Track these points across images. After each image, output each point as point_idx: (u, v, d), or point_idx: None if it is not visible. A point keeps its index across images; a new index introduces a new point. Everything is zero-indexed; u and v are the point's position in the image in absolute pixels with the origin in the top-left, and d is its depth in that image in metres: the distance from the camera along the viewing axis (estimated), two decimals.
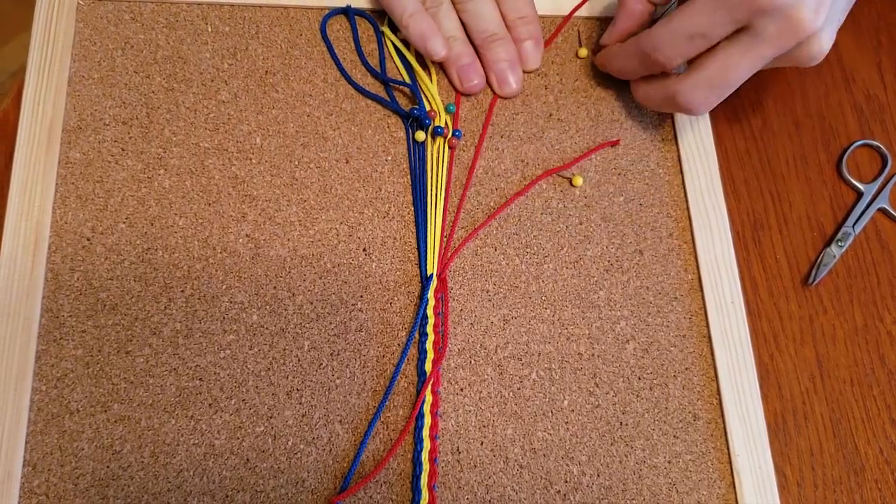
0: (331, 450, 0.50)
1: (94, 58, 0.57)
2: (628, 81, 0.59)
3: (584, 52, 0.61)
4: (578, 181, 0.57)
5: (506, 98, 0.60)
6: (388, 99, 0.58)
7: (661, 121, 0.60)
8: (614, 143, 0.59)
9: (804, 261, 0.58)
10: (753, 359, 0.54)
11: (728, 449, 0.52)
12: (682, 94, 0.53)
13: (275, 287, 0.53)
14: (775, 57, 0.50)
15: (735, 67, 0.50)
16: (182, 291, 0.52)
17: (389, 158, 0.57)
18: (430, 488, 0.49)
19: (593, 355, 0.53)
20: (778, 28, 0.48)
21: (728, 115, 0.62)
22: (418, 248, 0.55)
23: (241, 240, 0.54)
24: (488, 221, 0.55)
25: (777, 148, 0.62)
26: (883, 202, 0.59)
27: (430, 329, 0.52)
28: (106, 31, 0.58)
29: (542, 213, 0.57)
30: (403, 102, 0.59)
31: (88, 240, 0.53)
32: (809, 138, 0.62)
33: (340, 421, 0.50)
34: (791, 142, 0.62)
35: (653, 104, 0.57)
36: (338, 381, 0.51)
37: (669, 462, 0.51)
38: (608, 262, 0.56)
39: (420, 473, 0.49)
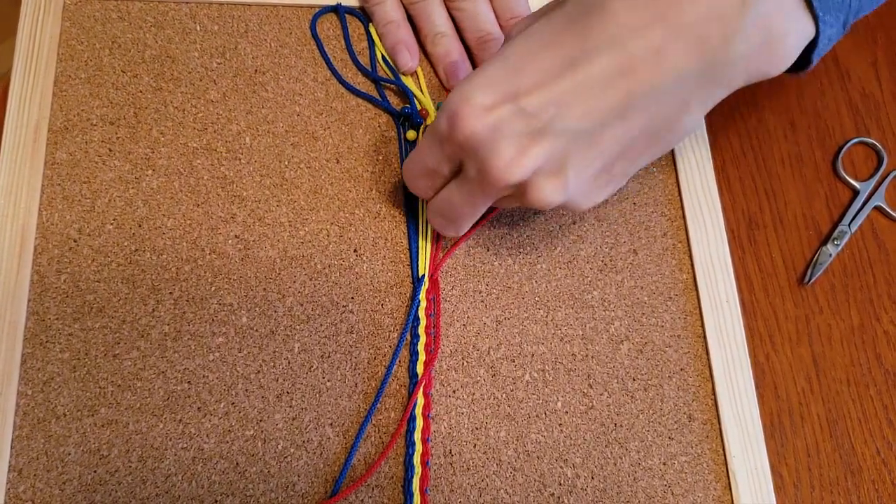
0: (321, 453, 0.49)
1: (80, 57, 0.57)
2: None
3: None
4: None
5: None
6: (378, 98, 0.58)
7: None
8: None
9: (800, 260, 0.58)
10: (749, 359, 0.53)
11: (724, 450, 0.51)
12: (428, 215, 0.51)
13: (264, 289, 0.52)
14: (502, 199, 0.47)
15: (453, 201, 0.47)
16: (170, 293, 0.51)
17: (381, 158, 0.57)
18: (423, 492, 0.48)
19: (587, 356, 0.53)
20: (476, 170, 0.44)
21: (722, 113, 0.61)
22: (410, 249, 0.54)
23: (230, 241, 0.53)
24: (481, 225, 0.55)
25: (772, 146, 0.61)
26: (879, 200, 0.59)
27: (421, 331, 0.52)
28: (93, 30, 0.57)
29: (534, 213, 0.56)
30: (394, 101, 0.58)
31: (75, 241, 0.52)
32: (805, 136, 0.62)
33: (331, 424, 0.50)
34: (786, 140, 0.62)
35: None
36: (328, 384, 0.51)
37: (665, 464, 0.51)
38: (602, 261, 0.55)
39: (412, 477, 0.48)
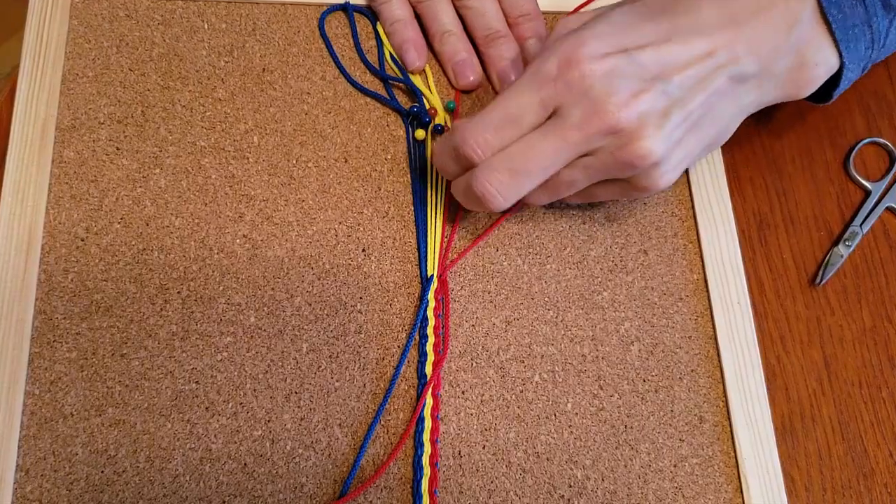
0: (330, 454, 0.49)
1: (88, 55, 0.56)
2: None
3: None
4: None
5: None
6: (387, 97, 0.58)
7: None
8: None
9: (811, 261, 0.57)
10: (760, 360, 0.53)
11: (735, 452, 0.51)
12: (477, 177, 0.47)
13: (272, 288, 0.52)
14: (590, 152, 0.47)
15: (536, 149, 0.46)
16: (178, 293, 0.51)
17: (389, 157, 0.56)
18: (431, 493, 0.48)
19: (597, 357, 0.52)
20: (583, 112, 0.45)
21: None
22: (418, 249, 0.54)
23: (238, 240, 0.53)
24: (493, 228, 0.55)
25: (783, 146, 0.61)
26: (891, 201, 0.58)
27: (430, 331, 0.51)
28: (100, 28, 0.57)
29: (544, 213, 0.56)
30: (403, 100, 0.58)
31: (83, 240, 0.52)
32: (816, 136, 0.61)
33: (340, 424, 0.49)
34: (797, 140, 0.61)
35: (460, 198, 0.51)
36: (337, 384, 0.50)
37: (675, 466, 0.50)
38: (612, 262, 0.55)
39: (421, 478, 0.48)
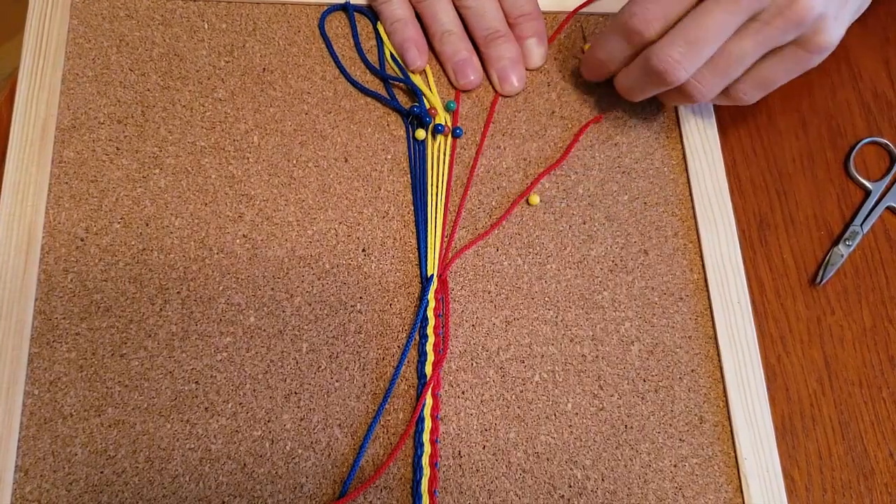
0: (329, 454, 0.49)
1: (88, 55, 0.56)
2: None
3: (588, 48, 0.60)
4: (535, 200, 0.56)
5: (508, 96, 0.59)
6: (387, 97, 0.58)
7: (666, 118, 0.59)
8: (597, 120, 0.58)
9: (811, 260, 0.57)
10: (760, 360, 0.53)
11: (735, 452, 0.51)
12: (656, 53, 0.49)
13: (272, 288, 0.52)
14: (757, 17, 0.48)
15: (709, 16, 0.48)
16: (178, 293, 0.51)
17: (389, 157, 0.56)
18: (431, 493, 0.48)
19: (597, 357, 0.52)
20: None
21: (733, 112, 0.61)
22: (418, 249, 0.54)
23: (237, 240, 0.53)
24: (493, 229, 0.55)
25: (783, 146, 0.61)
26: (891, 200, 0.58)
27: (430, 331, 0.51)
28: (100, 28, 0.57)
29: (544, 213, 0.56)
30: (403, 100, 0.58)
31: (82, 240, 0.52)
32: (816, 136, 0.61)
33: (339, 425, 0.49)
34: (797, 140, 0.61)
35: (633, 85, 0.54)
36: (336, 384, 0.50)
37: (675, 466, 0.50)
38: (612, 262, 0.55)
39: (420, 478, 0.48)
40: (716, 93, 0.52)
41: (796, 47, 0.50)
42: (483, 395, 0.51)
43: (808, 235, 0.58)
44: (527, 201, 0.56)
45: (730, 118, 0.61)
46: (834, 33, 0.49)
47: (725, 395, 0.52)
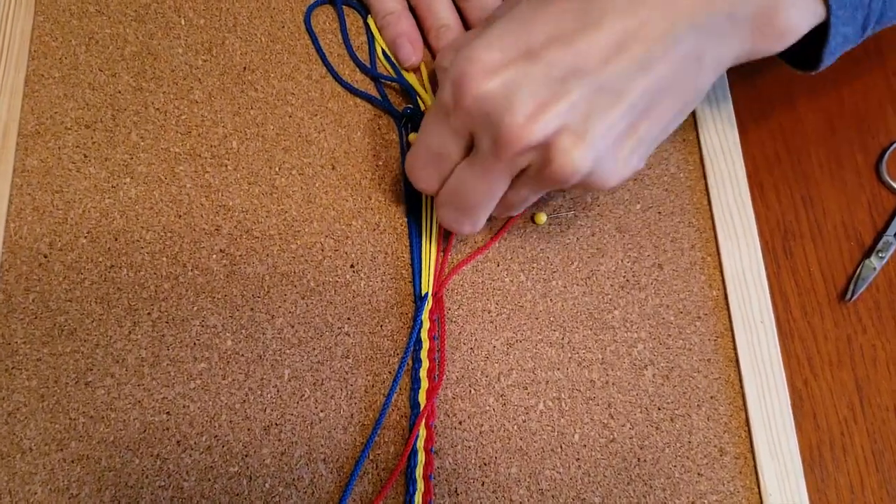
0: (313, 492, 0.46)
1: (54, 55, 0.54)
2: None
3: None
4: (541, 219, 0.53)
5: None
6: (378, 97, 0.55)
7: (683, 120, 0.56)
8: None
9: (840, 274, 0.55)
10: (786, 385, 0.51)
11: (759, 487, 0.49)
12: (437, 213, 0.47)
13: (252, 309, 0.49)
14: (523, 172, 0.43)
15: (466, 185, 0.44)
16: (148, 314, 0.49)
17: (380, 164, 0.54)
18: None
19: (607, 383, 0.50)
20: (490, 138, 0.41)
21: (755, 113, 0.58)
22: (412, 265, 0.51)
23: (214, 255, 0.50)
24: (493, 243, 0.52)
25: (809, 149, 0.58)
26: None
27: (424, 355, 0.49)
28: (68, 25, 0.55)
29: (549, 224, 0.53)
30: (396, 101, 0.56)
31: (45, 256, 0.49)
32: (845, 138, 0.58)
33: (324, 459, 0.47)
34: (825, 142, 0.58)
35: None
36: (321, 415, 0.48)
37: (693, 503, 0.48)
38: (623, 277, 0.52)
39: None
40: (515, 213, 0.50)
41: (575, 188, 0.45)
42: (482, 425, 0.48)
43: (836, 247, 0.56)
44: (532, 219, 0.53)
45: (751, 119, 0.58)
46: (612, 177, 0.43)
47: (748, 424, 0.50)
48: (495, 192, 0.44)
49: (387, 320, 0.50)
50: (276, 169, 0.53)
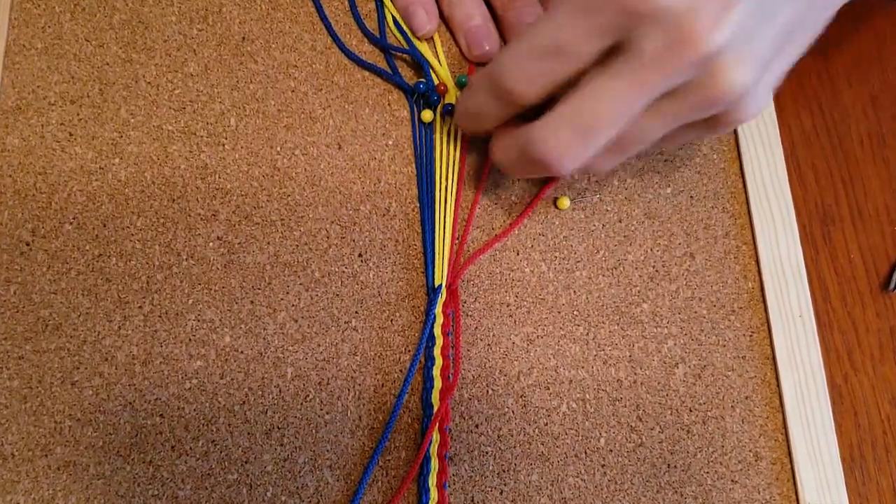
0: (318, 501, 0.44)
1: (37, 23, 0.51)
2: None
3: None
4: (564, 203, 0.50)
5: None
6: (389, 70, 0.52)
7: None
8: None
9: (883, 261, 0.53)
10: (825, 382, 0.48)
11: (797, 494, 0.47)
12: (537, 139, 0.41)
13: (251, 302, 0.47)
14: (669, 93, 0.39)
15: (605, 97, 0.39)
16: (140, 308, 0.46)
17: (391, 143, 0.51)
18: None
19: (635, 382, 0.48)
20: (662, 41, 0.36)
21: (792, 89, 0.56)
22: (424, 254, 0.49)
23: (211, 243, 0.48)
24: (512, 229, 0.50)
25: (850, 126, 0.56)
26: None
27: (437, 352, 0.47)
28: None
29: (573, 210, 0.51)
30: (407, 75, 0.53)
31: (28, 244, 0.47)
32: (889, 113, 0.56)
33: (330, 466, 0.45)
34: (866, 118, 0.56)
35: (510, 164, 0.45)
36: (327, 417, 0.46)
37: None
38: (653, 268, 0.50)
39: None
40: (607, 168, 0.45)
41: (707, 122, 0.42)
42: (500, 429, 0.46)
43: (878, 231, 0.54)
44: (554, 203, 0.50)
45: (789, 93, 0.56)
46: (755, 107, 0.41)
47: (785, 427, 0.48)
48: (631, 113, 0.39)
49: (397, 314, 0.48)
50: (278, 149, 0.50)
